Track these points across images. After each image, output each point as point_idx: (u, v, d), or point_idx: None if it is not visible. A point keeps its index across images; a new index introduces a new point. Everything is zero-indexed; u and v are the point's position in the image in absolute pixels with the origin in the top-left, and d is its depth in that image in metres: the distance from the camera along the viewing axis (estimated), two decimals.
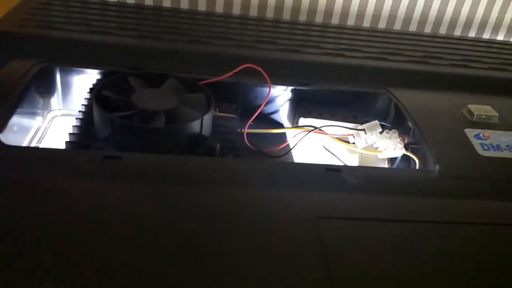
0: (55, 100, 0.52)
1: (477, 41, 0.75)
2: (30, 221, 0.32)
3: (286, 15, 0.78)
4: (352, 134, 0.49)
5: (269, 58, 0.57)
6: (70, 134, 0.44)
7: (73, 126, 0.45)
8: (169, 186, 0.37)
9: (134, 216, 0.34)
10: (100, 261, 0.30)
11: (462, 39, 0.75)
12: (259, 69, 0.50)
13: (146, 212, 0.34)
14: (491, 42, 0.75)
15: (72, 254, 0.30)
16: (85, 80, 0.52)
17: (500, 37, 0.84)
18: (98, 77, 0.52)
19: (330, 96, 0.55)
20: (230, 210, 0.36)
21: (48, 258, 0.29)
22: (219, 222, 0.34)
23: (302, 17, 0.78)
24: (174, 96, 0.46)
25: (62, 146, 0.43)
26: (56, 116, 0.53)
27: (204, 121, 0.45)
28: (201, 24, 0.65)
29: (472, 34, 0.84)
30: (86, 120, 0.46)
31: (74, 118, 0.51)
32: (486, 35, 0.84)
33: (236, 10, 0.77)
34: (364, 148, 0.49)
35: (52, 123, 0.52)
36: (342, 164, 0.50)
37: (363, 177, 0.40)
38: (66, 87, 0.52)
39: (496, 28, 0.83)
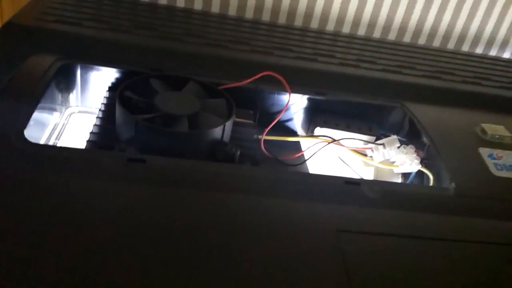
0: (74, 97, 0.52)
1: (484, 57, 0.76)
2: (54, 220, 0.32)
3: (298, 22, 0.78)
4: (371, 148, 0.50)
5: (285, 65, 0.58)
6: (91, 133, 0.44)
7: (94, 125, 0.45)
8: (191, 192, 0.37)
9: (158, 221, 0.34)
10: (124, 264, 0.30)
11: (470, 55, 0.76)
12: (280, 77, 0.51)
13: (170, 216, 0.35)
14: (498, 60, 0.76)
15: (93, 256, 0.30)
16: (103, 78, 0.52)
17: (507, 54, 0.86)
18: (117, 76, 0.52)
19: (346, 107, 0.56)
20: (251, 218, 0.36)
21: (70, 259, 0.29)
22: (239, 231, 0.35)
23: (314, 24, 0.78)
24: (196, 100, 0.46)
25: (81, 144, 0.43)
26: (74, 112, 0.53)
27: (225, 127, 0.45)
28: (216, 26, 0.65)
29: (479, 49, 0.85)
30: (107, 119, 0.46)
31: (91, 115, 0.52)
32: (493, 51, 0.85)
33: (249, 13, 0.77)
34: (381, 162, 0.49)
35: (70, 120, 0.52)
36: (357, 176, 0.50)
37: (382, 192, 0.41)
38: (85, 84, 0.52)
39: (504, 45, 0.85)
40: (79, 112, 0.53)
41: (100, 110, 0.48)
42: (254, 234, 0.35)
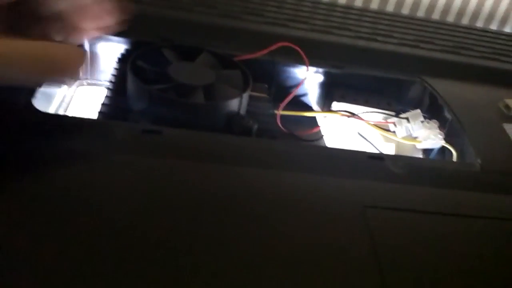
0: (82, 69, 0.50)
1: (500, 33, 0.74)
2: (70, 192, 0.30)
3: None
4: (394, 122, 0.48)
5: (300, 37, 0.56)
6: (103, 104, 0.42)
7: (105, 96, 0.43)
8: (210, 165, 0.35)
9: (177, 194, 0.32)
10: (140, 239, 0.28)
11: (485, 31, 0.74)
12: (297, 48, 0.49)
13: (188, 189, 0.33)
14: None
15: (108, 231, 0.28)
16: (112, 49, 0.50)
17: None
18: (126, 47, 0.50)
19: (363, 81, 0.54)
20: (273, 193, 0.35)
21: (82, 235, 0.28)
22: (262, 206, 0.33)
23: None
24: (211, 71, 0.44)
25: (91, 116, 0.41)
26: (82, 85, 0.50)
27: (242, 99, 0.43)
28: None
29: (494, 26, 0.83)
30: (118, 91, 0.44)
31: (100, 88, 0.50)
32: (508, 28, 0.83)
33: None
34: (403, 137, 0.48)
35: (78, 92, 0.50)
36: (378, 152, 0.48)
37: (407, 167, 0.39)
38: (93, 55, 0.50)
39: None
40: (88, 84, 0.51)
41: (110, 81, 0.46)
42: (277, 210, 0.33)
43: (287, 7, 0.64)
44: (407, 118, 0.47)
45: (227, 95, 0.43)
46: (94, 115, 0.41)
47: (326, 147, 0.46)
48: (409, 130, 0.47)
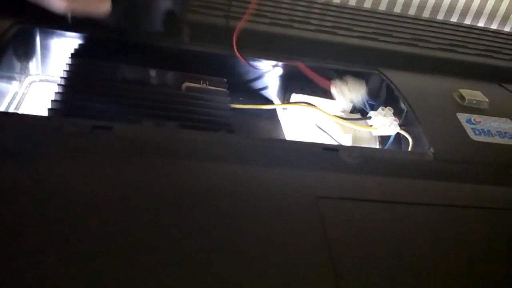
0: (34, 65, 0.49)
1: (459, 25, 0.75)
2: (14, 193, 0.29)
3: None
4: (334, 87, 0.48)
5: (260, 31, 0.55)
6: (53, 101, 0.41)
7: (55, 93, 0.42)
8: (163, 161, 0.35)
9: (128, 192, 0.32)
10: (90, 241, 0.28)
11: (445, 23, 0.75)
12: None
13: (139, 186, 0.32)
14: (472, 28, 0.76)
15: (58, 234, 0.28)
16: (66, 45, 0.49)
17: (481, 23, 0.85)
18: (80, 42, 0.49)
19: (323, 74, 0.54)
20: (227, 187, 0.34)
21: (33, 238, 0.27)
22: (216, 200, 0.33)
23: None
24: None
25: (43, 113, 0.40)
26: (34, 81, 0.49)
27: None
28: None
29: (454, 18, 0.84)
30: (70, 87, 0.44)
31: (54, 84, 0.49)
32: (468, 20, 0.85)
33: None
34: (359, 125, 0.48)
35: (30, 89, 0.48)
36: (336, 143, 0.49)
37: (361, 158, 0.40)
38: (45, 51, 0.49)
39: (478, 14, 0.84)
40: (40, 80, 0.49)
41: (62, 77, 0.45)
42: (232, 203, 0.33)
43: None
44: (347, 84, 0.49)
45: None
46: (45, 112, 0.40)
47: (282, 140, 0.46)
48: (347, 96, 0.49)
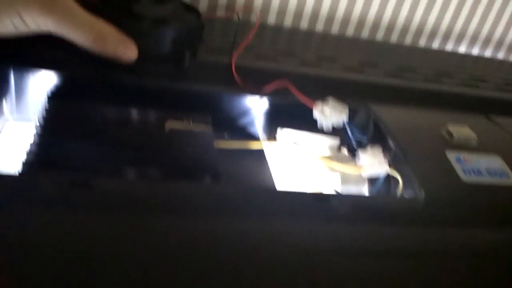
0: (8, 106, 0.47)
1: (441, 52, 0.75)
2: None
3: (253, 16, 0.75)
4: (317, 109, 0.47)
5: (245, 66, 0.54)
6: (28, 153, 0.39)
7: (31, 143, 0.40)
8: (147, 216, 0.33)
9: (106, 252, 0.30)
10: None
11: (428, 50, 0.75)
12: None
13: (117, 246, 0.30)
14: (455, 54, 0.76)
15: None
16: (42, 84, 0.46)
17: (463, 47, 0.86)
18: (56, 82, 0.46)
19: (308, 108, 0.53)
20: (216, 241, 0.33)
21: None
22: (197, 257, 0.31)
23: (271, 20, 0.75)
24: None
25: (18, 161, 0.38)
26: (7, 121, 0.47)
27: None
28: None
29: (436, 43, 0.84)
30: (46, 132, 0.41)
31: (30, 124, 0.46)
32: (450, 45, 0.85)
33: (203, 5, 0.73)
34: (347, 166, 0.47)
35: (4, 130, 0.46)
36: (324, 182, 0.48)
37: (352, 207, 0.39)
38: (21, 91, 0.46)
39: (460, 38, 0.85)
40: (15, 121, 0.47)
41: (38, 121, 0.43)
42: (220, 258, 0.31)
43: (232, 33, 0.63)
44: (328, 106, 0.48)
45: None
46: (21, 157, 0.38)
47: (270, 190, 0.45)
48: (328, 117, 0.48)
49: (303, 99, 0.48)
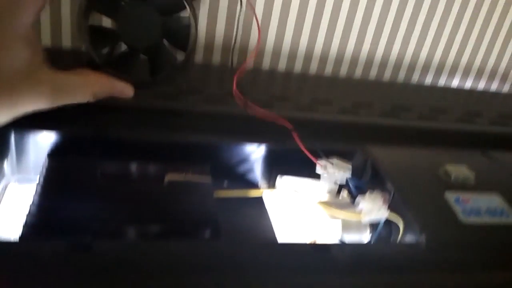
0: (9, 166, 0.47)
1: (434, 87, 0.76)
2: None
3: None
4: (320, 165, 0.48)
5: (238, 114, 0.55)
6: (28, 215, 0.39)
7: (30, 205, 0.40)
8: (149, 279, 0.33)
9: None
10: None
11: (421, 86, 0.76)
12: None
13: None
14: (448, 89, 0.77)
15: None
16: (42, 144, 0.47)
17: (456, 81, 0.87)
18: (56, 141, 0.47)
19: (304, 153, 0.53)
20: None
21: None
22: None
23: (265, 64, 0.77)
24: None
25: (19, 223, 0.38)
26: (10, 182, 0.47)
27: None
28: None
29: (429, 78, 0.85)
30: (46, 195, 0.42)
31: (31, 185, 0.47)
32: (443, 80, 0.86)
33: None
34: (347, 212, 0.47)
35: (6, 192, 0.46)
36: (326, 231, 0.48)
37: (353, 256, 0.38)
38: (21, 151, 0.47)
39: (452, 72, 0.86)
40: (16, 181, 0.48)
41: (39, 180, 0.44)
42: None
43: (225, 80, 0.64)
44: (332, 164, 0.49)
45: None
46: (22, 219, 0.39)
47: (270, 244, 0.45)
48: (332, 177, 0.49)
49: (307, 153, 0.49)
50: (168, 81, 0.48)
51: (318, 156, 0.50)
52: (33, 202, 0.41)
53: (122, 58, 0.47)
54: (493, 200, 0.48)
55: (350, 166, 0.50)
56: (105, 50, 0.48)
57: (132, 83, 0.46)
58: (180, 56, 0.49)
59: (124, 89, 0.46)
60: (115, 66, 0.46)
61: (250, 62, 0.52)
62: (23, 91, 0.36)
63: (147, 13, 0.45)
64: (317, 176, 0.52)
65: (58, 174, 0.45)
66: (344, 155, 0.53)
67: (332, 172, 0.49)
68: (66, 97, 0.40)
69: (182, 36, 0.47)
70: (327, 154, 0.51)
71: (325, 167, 0.49)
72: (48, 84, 0.38)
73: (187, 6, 0.46)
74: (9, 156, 0.47)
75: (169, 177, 0.48)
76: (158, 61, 0.47)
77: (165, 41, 0.48)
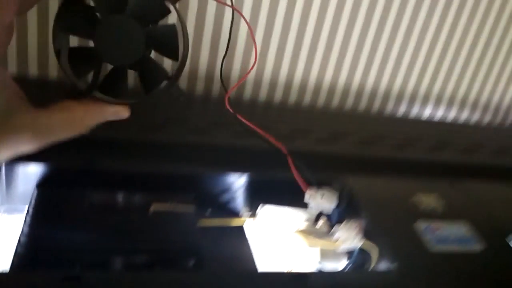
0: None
1: (406, 118, 0.80)
2: None
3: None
4: (309, 194, 0.50)
5: (223, 144, 0.57)
6: (17, 245, 0.41)
7: (20, 235, 0.42)
8: None
9: None
10: None
11: (393, 117, 0.80)
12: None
13: None
14: (419, 120, 0.81)
15: None
16: (31, 175, 0.49)
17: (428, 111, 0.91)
18: (45, 172, 0.49)
19: (286, 183, 0.56)
20: None
21: None
22: None
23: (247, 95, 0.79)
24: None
25: (9, 253, 0.40)
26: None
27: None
28: None
29: (403, 108, 0.89)
30: (36, 224, 0.43)
31: (19, 215, 0.48)
32: (415, 109, 0.90)
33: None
34: (324, 241, 0.50)
35: None
36: (304, 259, 0.50)
37: (329, 284, 0.41)
38: (11, 182, 0.49)
39: (425, 101, 0.90)
40: (5, 211, 0.49)
41: (28, 211, 0.45)
42: None
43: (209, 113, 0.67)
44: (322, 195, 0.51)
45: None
46: (12, 249, 0.40)
47: (250, 273, 0.47)
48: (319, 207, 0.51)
49: (299, 180, 0.51)
50: (163, 93, 0.43)
51: (309, 184, 0.52)
52: (22, 232, 0.43)
53: (109, 79, 0.41)
54: (461, 229, 0.51)
55: (336, 197, 0.52)
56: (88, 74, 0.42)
57: (125, 103, 0.42)
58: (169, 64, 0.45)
59: (119, 112, 0.42)
60: (103, 90, 0.41)
61: (245, 77, 0.52)
62: (1, 140, 0.34)
63: (127, 25, 0.39)
64: (298, 205, 0.54)
65: (47, 204, 0.46)
66: (321, 185, 0.56)
67: (321, 202, 0.51)
68: (53, 137, 0.37)
69: (171, 44, 0.41)
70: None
71: (314, 197, 0.51)
72: (29, 128, 0.35)
73: (173, 8, 0.41)
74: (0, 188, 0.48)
75: (154, 207, 0.50)
76: (148, 74, 0.42)
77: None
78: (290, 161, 0.51)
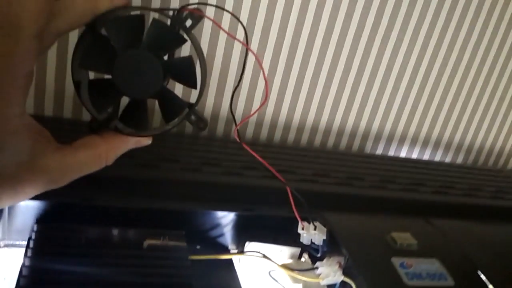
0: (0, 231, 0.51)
1: (384, 158, 0.85)
2: None
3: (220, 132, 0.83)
4: (303, 224, 0.54)
5: (212, 182, 0.61)
6: (19, 277, 0.43)
7: (21, 267, 0.44)
8: None
9: None
10: None
11: (371, 157, 0.85)
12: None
13: None
14: (396, 159, 0.86)
15: None
16: (31, 210, 0.51)
17: (403, 152, 0.96)
18: (45, 207, 0.52)
19: (272, 221, 0.60)
20: None
21: None
22: None
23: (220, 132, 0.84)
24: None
25: (11, 285, 0.42)
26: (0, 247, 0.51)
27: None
28: None
29: (380, 149, 0.95)
30: (36, 257, 0.46)
31: (19, 249, 0.51)
32: (392, 150, 0.96)
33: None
34: (307, 277, 0.53)
35: None
36: None
37: None
38: (12, 216, 0.51)
39: (401, 142, 0.96)
40: (5, 246, 0.51)
41: (27, 247, 0.48)
42: None
43: (198, 148, 0.70)
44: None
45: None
46: (13, 281, 0.42)
47: None
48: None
49: (295, 211, 0.55)
50: (183, 121, 0.44)
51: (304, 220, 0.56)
52: (23, 264, 0.45)
53: (128, 110, 0.42)
54: (433, 265, 0.55)
55: (325, 230, 0.56)
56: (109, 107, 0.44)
57: (147, 136, 0.43)
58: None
59: (141, 141, 0.43)
60: (123, 121, 0.42)
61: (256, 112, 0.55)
62: (28, 181, 0.35)
63: (144, 58, 0.39)
64: (280, 242, 0.58)
65: (47, 238, 0.49)
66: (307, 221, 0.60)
67: (313, 234, 0.55)
68: (78, 174, 0.39)
69: (189, 74, 0.42)
70: (291, 224, 0.57)
71: (307, 228, 0.55)
72: (55, 170, 0.36)
73: (188, 38, 0.41)
74: (1, 222, 0.51)
75: (148, 242, 0.52)
76: (167, 104, 0.43)
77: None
78: (289, 191, 0.55)
